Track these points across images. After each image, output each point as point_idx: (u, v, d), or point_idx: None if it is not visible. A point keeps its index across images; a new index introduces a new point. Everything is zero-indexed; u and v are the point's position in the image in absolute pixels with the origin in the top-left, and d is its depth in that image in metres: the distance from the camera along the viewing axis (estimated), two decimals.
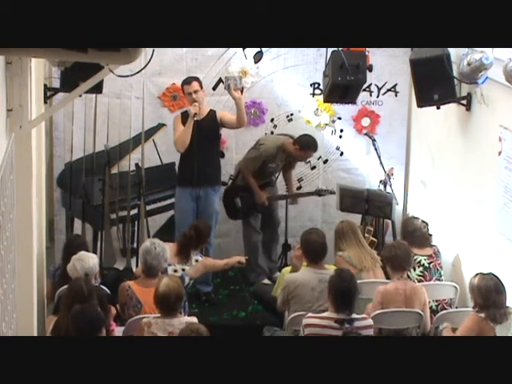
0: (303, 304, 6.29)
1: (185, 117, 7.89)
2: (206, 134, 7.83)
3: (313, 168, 8.81)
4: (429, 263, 6.95)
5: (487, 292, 5.59)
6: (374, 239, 7.76)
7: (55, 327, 5.41)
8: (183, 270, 6.90)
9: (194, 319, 5.63)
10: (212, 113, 7.98)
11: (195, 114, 7.72)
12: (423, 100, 7.19)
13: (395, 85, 8.68)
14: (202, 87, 7.87)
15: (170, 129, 8.35)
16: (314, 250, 6.48)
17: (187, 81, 7.87)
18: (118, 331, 6.00)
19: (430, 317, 6.44)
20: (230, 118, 7.96)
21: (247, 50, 8.36)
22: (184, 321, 5.53)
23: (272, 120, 8.64)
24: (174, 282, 5.68)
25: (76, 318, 5.10)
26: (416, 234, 7.05)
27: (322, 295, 6.18)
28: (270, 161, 8.20)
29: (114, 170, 8.46)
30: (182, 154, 7.92)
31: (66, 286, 6.10)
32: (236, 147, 8.63)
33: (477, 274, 5.76)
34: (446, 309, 6.71)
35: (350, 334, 5.57)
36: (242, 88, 8.21)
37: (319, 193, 8.50)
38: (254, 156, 8.19)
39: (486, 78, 6.65)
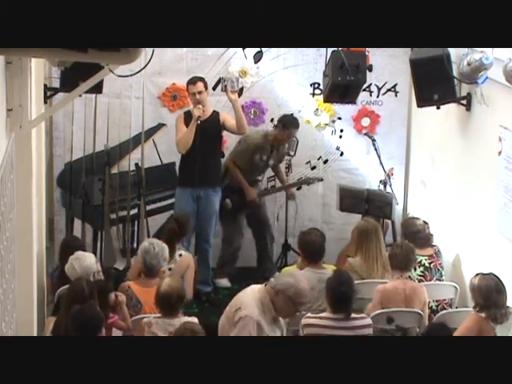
0: None
1: (187, 117, 7.88)
2: (209, 135, 7.81)
3: (313, 168, 8.81)
4: (429, 263, 6.95)
5: (488, 292, 5.59)
6: None
7: (55, 327, 5.41)
8: (170, 269, 6.84)
9: (195, 319, 5.63)
10: (215, 114, 7.95)
11: (199, 117, 7.71)
12: (423, 100, 7.19)
13: (395, 85, 8.68)
14: (206, 88, 7.85)
15: (170, 129, 8.35)
16: (313, 250, 6.48)
17: (192, 81, 7.84)
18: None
19: (430, 317, 6.44)
20: (232, 123, 7.91)
21: (247, 49, 8.36)
22: (184, 321, 5.53)
23: (272, 120, 8.62)
24: (175, 282, 5.70)
25: (75, 318, 5.10)
26: (419, 236, 7.03)
27: (320, 295, 6.17)
28: (258, 152, 8.17)
29: (114, 170, 8.45)
30: (183, 154, 7.90)
31: (65, 287, 6.11)
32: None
33: (477, 274, 5.76)
34: (446, 309, 6.71)
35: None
36: (242, 89, 8.22)
37: (307, 182, 8.48)
38: (242, 149, 8.19)
39: (486, 78, 6.65)
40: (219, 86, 8.21)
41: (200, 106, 7.73)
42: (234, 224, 8.39)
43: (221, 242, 8.47)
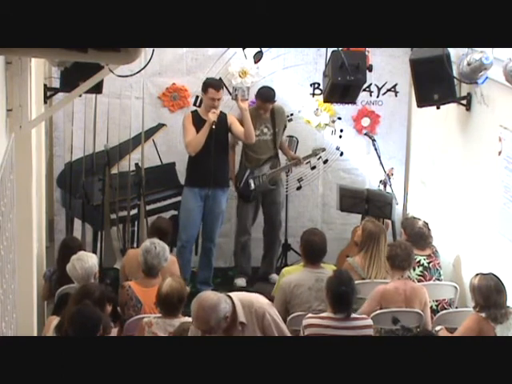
0: (302, 304, 6.26)
1: (195, 117, 7.88)
2: (217, 136, 7.80)
3: (313, 168, 8.81)
4: (428, 263, 6.95)
5: (488, 292, 5.59)
6: None
7: (58, 325, 5.40)
8: None
9: None
10: (223, 115, 7.94)
11: (214, 121, 7.70)
12: (423, 100, 7.19)
13: (395, 85, 8.68)
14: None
15: (170, 129, 8.35)
16: (315, 251, 6.45)
17: (216, 86, 7.82)
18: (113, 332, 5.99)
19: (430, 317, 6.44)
20: (238, 128, 7.91)
21: (247, 49, 8.36)
22: (184, 321, 5.53)
23: None
24: (176, 282, 5.70)
25: (73, 319, 5.10)
26: (422, 237, 7.02)
27: (319, 294, 6.16)
28: (253, 124, 8.05)
29: (114, 170, 8.45)
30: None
31: (66, 286, 6.12)
32: (237, 147, 8.61)
33: (477, 274, 5.76)
34: (446, 309, 6.71)
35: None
36: None
37: (315, 153, 8.41)
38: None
39: (486, 78, 6.65)
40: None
41: (215, 111, 7.73)
42: (247, 210, 8.34)
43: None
